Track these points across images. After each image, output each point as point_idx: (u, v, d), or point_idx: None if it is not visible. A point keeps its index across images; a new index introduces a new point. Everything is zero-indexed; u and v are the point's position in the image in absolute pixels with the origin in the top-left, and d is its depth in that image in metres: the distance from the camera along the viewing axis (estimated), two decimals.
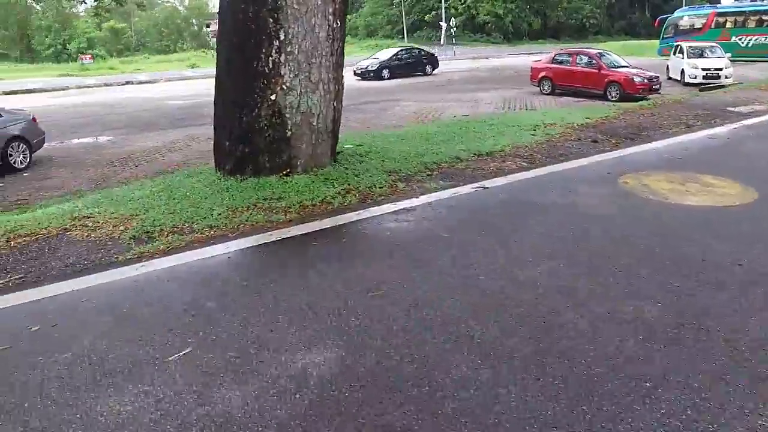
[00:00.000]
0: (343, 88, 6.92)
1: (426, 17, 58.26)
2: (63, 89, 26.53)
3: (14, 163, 10.41)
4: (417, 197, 5.67)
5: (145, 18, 52.54)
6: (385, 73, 26.21)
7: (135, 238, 4.79)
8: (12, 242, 4.88)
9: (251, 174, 6.24)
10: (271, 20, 6.08)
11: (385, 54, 28.24)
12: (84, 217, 5.50)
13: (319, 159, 6.55)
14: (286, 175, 6.21)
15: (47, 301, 3.74)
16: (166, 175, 7.34)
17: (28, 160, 10.71)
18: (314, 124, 6.40)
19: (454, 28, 47.65)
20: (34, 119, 11.48)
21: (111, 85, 28.48)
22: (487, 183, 6.20)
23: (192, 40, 52.95)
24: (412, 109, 15.62)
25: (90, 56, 39.50)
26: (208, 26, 59.89)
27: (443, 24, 47.43)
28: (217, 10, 6.91)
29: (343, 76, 6.91)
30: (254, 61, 6.15)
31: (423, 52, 29.45)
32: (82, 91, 26.26)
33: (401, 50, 29.12)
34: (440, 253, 4.24)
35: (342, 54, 6.86)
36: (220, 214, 5.18)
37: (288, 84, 6.19)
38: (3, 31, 44.45)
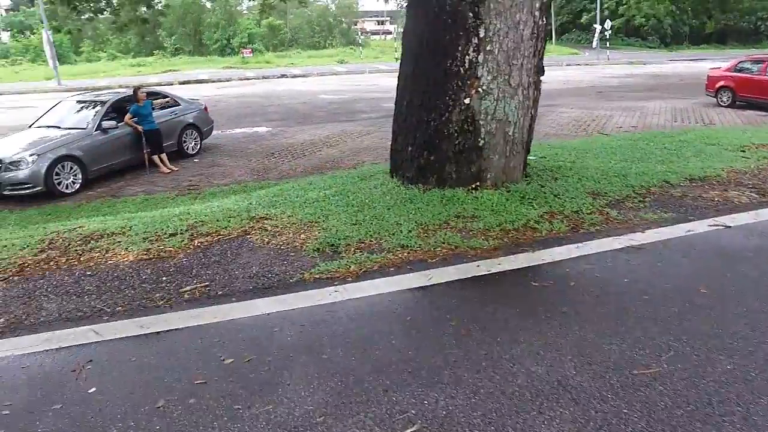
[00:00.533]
0: (540, 95, 6.03)
1: (583, 19, 54.63)
2: (227, 80, 28.35)
3: (187, 149, 10.98)
4: (642, 232, 4.62)
5: (299, 15, 55.12)
6: None
7: (319, 251, 4.33)
8: (195, 241, 4.67)
9: (434, 184, 5.60)
10: (471, 14, 5.36)
11: None
12: (261, 218, 5.21)
13: (512, 173, 5.73)
14: (474, 188, 5.48)
15: (237, 323, 3.33)
16: (335, 176, 6.95)
17: (198, 146, 11.24)
18: (509, 133, 5.59)
19: (609, 31, 44.04)
20: (205, 109, 12.01)
21: (268, 77, 29.94)
22: (727, 220, 4.96)
23: (341, 37, 54.65)
24: (572, 116, 14.29)
25: (250, 50, 42.22)
26: (355, 24, 61.70)
27: (597, 26, 44.05)
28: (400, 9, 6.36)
29: (541, 81, 6.03)
30: (448, 60, 5.48)
31: None
32: (242, 82, 27.86)
33: None
34: (711, 317, 3.21)
35: (543, 56, 5.97)
36: (410, 231, 4.56)
37: (485, 87, 5.44)
38: (181, 28, 49.13)
